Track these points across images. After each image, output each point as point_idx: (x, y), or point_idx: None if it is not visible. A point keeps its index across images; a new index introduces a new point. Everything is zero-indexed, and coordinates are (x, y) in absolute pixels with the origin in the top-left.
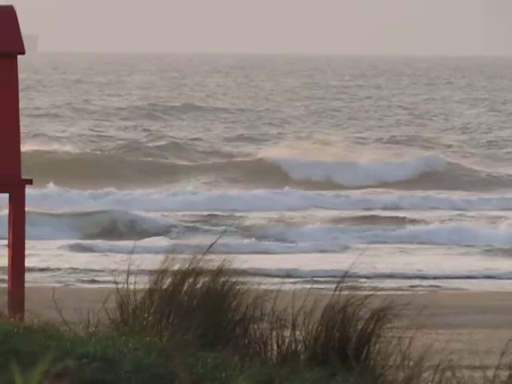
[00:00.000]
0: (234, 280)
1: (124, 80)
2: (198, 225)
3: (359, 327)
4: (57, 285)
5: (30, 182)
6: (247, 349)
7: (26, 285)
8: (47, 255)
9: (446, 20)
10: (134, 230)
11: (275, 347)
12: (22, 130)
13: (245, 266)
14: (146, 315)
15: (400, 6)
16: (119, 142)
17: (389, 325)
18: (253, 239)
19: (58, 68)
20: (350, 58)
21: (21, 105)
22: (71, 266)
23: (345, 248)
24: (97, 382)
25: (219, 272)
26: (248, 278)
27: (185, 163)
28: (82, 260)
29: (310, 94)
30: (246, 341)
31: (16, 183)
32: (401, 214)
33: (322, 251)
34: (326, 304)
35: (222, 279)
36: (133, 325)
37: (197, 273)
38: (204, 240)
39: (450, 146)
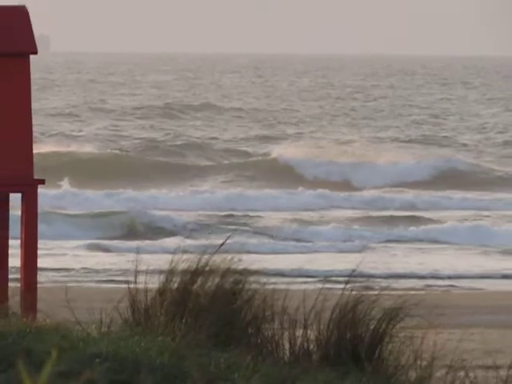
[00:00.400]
0: (247, 279)
1: (139, 80)
2: (214, 224)
3: (372, 327)
4: (70, 285)
5: (42, 181)
6: (260, 348)
7: (39, 285)
8: (63, 255)
9: (447, 20)
10: (151, 229)
11: (287, 347)
12: (38, 130)
13: (259, 266)
14: (158, 315)
15: (400, 6)
16: (136, 141)
17: (401, 324)
18: (268, 239)
19: (72, 68)
20: (356, 57)
21: (35, 105)
22: (85, 265)
23: (361, 248)
24: (110, 382)
25: (232, 271)
26: (262, 278)
27: (202, 163)
28: (97, 260)
29: (324, 93)
30: (259, 340)
31: (28, 183)
32: (417, 213)
33: (337, 251)
34: (339, 303)
35: (234, 278)
36: (145, 325)
37: (210, 272)
38: (220, 239)
39: (465, 146)
